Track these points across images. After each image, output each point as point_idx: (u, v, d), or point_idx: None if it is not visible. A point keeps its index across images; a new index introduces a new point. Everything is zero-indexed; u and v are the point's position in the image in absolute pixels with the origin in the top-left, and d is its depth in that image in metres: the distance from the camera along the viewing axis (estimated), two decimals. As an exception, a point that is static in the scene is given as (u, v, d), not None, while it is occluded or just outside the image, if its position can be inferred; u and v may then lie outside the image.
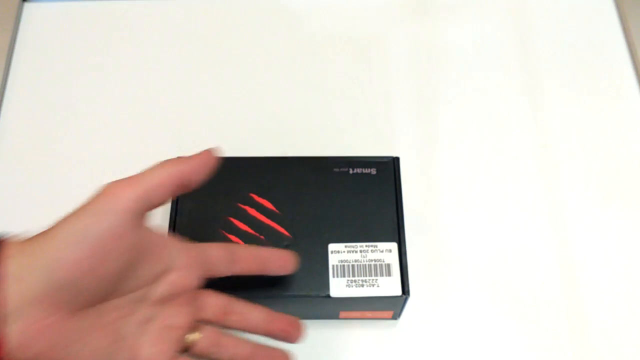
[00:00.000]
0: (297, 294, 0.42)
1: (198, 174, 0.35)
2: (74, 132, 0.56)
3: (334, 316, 0.46)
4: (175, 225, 0.44)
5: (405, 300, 0.43)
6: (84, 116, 0.57)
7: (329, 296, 0.42)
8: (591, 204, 0.52)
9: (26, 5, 0.63)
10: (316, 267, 0.43)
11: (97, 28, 0.62)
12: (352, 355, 0.46)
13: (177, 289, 0.35)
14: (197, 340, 0.35)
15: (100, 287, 0.31)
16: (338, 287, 0.42)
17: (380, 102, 0.57)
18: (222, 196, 0.45)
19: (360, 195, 0.45)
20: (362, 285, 0.42)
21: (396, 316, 0.46)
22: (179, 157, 0.35)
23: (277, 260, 0.39)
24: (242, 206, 0.45)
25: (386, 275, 0.42)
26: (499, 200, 0.52)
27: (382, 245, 0.43)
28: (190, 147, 0.54)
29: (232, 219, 0.44)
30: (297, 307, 0.44)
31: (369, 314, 0.46)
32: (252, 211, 0.44)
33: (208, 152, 0.35)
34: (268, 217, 0.44)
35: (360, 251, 0.43)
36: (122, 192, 0.32)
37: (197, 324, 0.36)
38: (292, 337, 0.38)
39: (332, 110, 0.56)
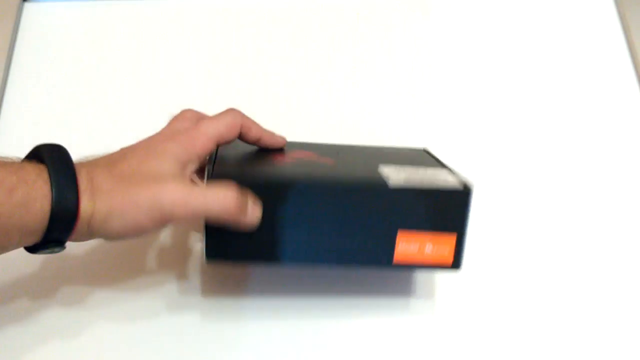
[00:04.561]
0: (356, 185, 0.40)
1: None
2: (74, 132, 0.55)
3: (389, 248, 0.41)
4: (214, 168, 0.41)
5: (469, 204, 0.40)
6: (84, 116, 0.56)
7: (387, 187, 0.39)
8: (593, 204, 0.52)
9: (26, 5, 0.63)
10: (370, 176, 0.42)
11: (97, 28, 0.61)
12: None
13: None
14: None
15: None
16: (397, 178, 0.40)
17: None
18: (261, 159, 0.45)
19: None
20: (422, 181, 0.40)
21: (458, 263, 0.41)
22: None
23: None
24: (282, 156, 0.45)
25: (444, 178, 0.41)
26: (498, 200, 0.52)
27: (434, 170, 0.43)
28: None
29: (273, 159, 0.44)
30: (352, 214, 0.40)
31: (429, 238, 0.41)
32: (293, 154, 0.45)
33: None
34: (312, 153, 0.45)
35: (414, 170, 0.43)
36: None
37: None
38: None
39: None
